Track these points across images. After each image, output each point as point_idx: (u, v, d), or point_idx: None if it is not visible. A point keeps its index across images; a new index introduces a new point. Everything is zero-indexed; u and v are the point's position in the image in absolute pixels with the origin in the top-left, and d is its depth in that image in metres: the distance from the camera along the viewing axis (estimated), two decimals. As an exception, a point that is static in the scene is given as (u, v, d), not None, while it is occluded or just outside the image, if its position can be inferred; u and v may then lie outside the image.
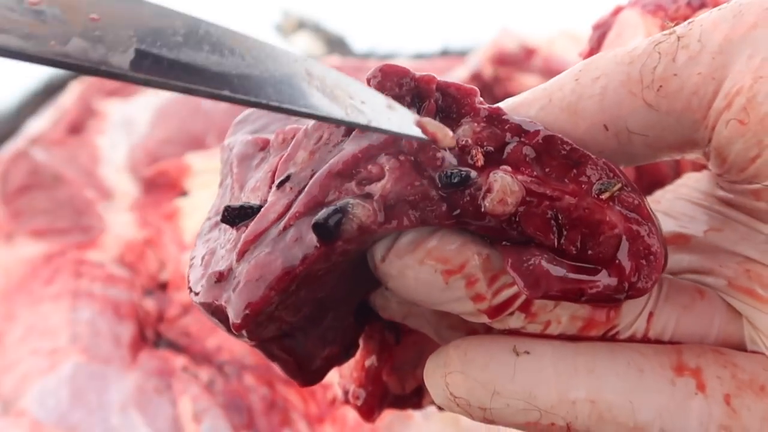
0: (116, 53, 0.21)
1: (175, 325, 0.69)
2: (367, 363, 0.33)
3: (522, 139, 0.25)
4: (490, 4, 1.13)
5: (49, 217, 0.78)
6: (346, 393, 0.34)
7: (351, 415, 0.60)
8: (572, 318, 0.27)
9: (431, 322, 0.30)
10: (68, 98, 0.92)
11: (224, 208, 0.27)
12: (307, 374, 0.30)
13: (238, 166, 0.30)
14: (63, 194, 0.81)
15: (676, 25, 0.26)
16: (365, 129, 0.25)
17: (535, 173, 0.25)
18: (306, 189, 0.25)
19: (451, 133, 0.25)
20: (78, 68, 0.21)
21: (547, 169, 0.25)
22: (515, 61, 0.86)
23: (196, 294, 0.27)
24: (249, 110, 0.32)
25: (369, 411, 0.33)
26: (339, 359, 0.31)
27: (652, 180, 0.39)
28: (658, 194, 0.32)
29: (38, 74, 0.96)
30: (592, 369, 0.26)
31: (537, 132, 0.25)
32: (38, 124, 0.89)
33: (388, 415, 0.34)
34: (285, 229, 0.25)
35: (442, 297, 0.26)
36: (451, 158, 0.25)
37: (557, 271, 0.24)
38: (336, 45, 1.10)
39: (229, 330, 0.26)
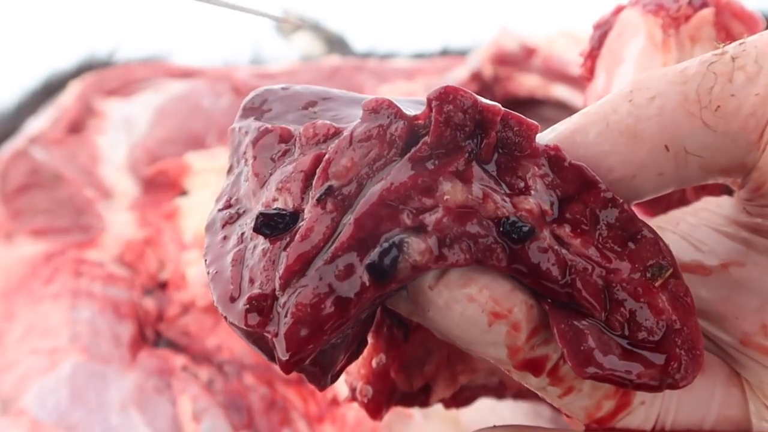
0: None
1: (175, 324, 0.69)
2: (375, 360, 0.33)
3: (584, 197, 0.25)
4: (490, 4, 1.14)
5: (48, 217, 0.78)
6: (353, 390, 0.34)
7: (351, 414, 0.60)
8: (593, 389, 0.26)
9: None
10: (68, 98, 0.92)
11: (258, 215, 0.26)
12: (329, 378, 0.29)
13: (255, 156, 0.28)
14: (63, 194, 0.81)
15: (726, 45, 0.26)
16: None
17: (593, 241, 0.25)
18: (354, 217, 0.24)
19: None
20: None
21: (605, 234, 0.25)
22: (515, 61, 0.86)
23: (229, 316, 0.25)
24: (257, 92, 0.30)
25: (376, 408, 0.33)
26: (352, 359, 0.30)
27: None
28: (677, 215, 0.31)
29: (38, 74, 0.96)
30: None
31: (599, 191, 0.25)
32: (38, 123, 0.89)
33: (388, 415, 0.35)
34: (332, 260, 0.24)
35: (479, 338, 0.25)
36: (507, 205, 0.24)
37: (609, 355, 0.24)
38: (336, 44, 1.10)
39: (270, 359, 0.25)
